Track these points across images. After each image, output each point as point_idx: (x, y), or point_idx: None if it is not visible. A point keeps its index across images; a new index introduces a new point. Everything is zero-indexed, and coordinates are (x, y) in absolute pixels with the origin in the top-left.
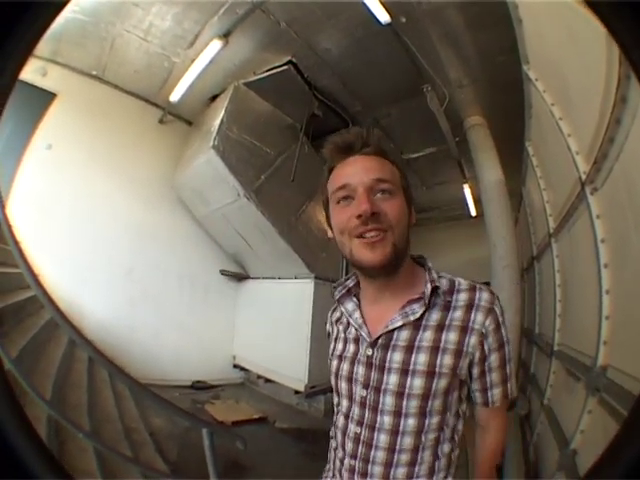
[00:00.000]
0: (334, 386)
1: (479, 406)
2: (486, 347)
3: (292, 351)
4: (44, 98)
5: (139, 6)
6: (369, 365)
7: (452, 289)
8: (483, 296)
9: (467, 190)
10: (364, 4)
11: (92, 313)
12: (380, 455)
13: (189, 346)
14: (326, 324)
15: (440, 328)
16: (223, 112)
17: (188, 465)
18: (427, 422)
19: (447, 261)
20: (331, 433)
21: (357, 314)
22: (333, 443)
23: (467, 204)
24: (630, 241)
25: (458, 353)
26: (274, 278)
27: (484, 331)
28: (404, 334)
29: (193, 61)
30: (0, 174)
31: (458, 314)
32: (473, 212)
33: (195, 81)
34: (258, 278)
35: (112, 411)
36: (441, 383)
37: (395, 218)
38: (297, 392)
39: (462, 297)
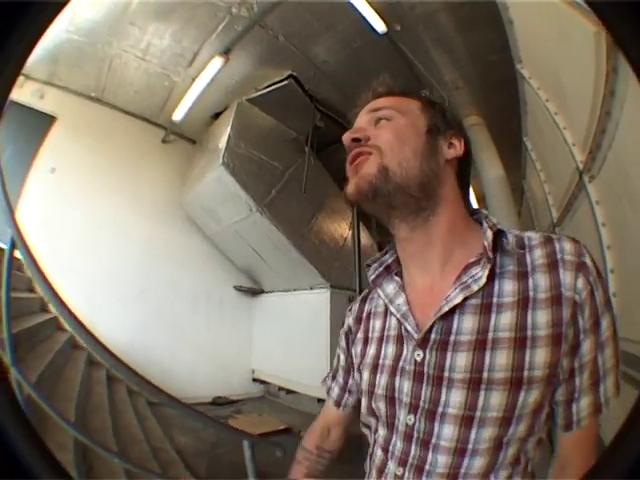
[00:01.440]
0: (365, 408)
1: (559, 429)
2: (581, 325)
3: (312, 360)
4: (43, 121)
5: (135, 25)
6: (419, 376)
7: (522, 246)
8: (565, 247)
9: (470, 188)
10: (361, 15)
11: (106, 336)
12: None
13: (207, 363)
14: (343, 323)
15: (522, 304)
16: (229, 129)
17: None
18: (501, 457)
19: None
20: (365, 466)
21: (401, 299)
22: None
23: (470, 202)
24: (628, 223)
25: (555, 341)
26: (289, 290)
27: (577, 299)
28: (468, 321)
29: (194, 79)
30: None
31: (541, 279)
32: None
33: (197, 99)
34: (273, 291)
35: (137, 432)
36: (532, 396)
37: (384, 139)
38: (320, 400)
39: (538, 254)
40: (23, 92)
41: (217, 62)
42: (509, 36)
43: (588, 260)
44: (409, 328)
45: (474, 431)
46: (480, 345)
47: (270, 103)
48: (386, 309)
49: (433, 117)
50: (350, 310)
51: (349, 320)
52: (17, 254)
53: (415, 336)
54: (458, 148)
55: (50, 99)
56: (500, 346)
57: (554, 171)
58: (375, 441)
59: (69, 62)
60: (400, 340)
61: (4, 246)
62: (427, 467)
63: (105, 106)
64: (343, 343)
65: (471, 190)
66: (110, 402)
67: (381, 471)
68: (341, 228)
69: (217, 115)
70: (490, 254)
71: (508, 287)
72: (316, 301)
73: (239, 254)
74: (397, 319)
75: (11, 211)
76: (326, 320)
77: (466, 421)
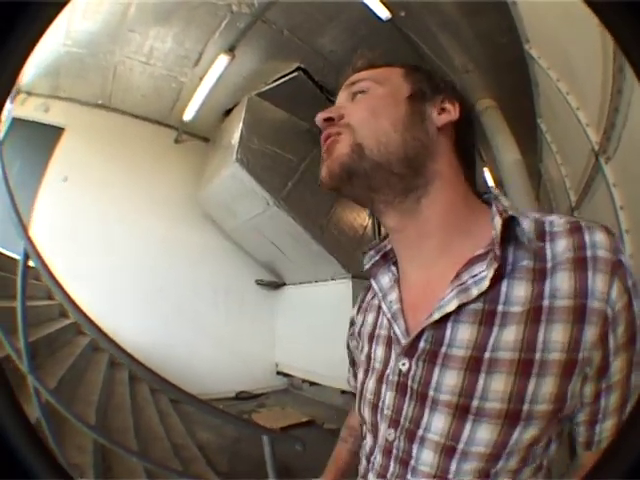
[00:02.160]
0: (357, 408)
1: (578, 446)
2: (612, 345)
3: (335, 352)
4: (51, 133)
5: (136, 32)
6: (402, 389)
7: (542, 234)
8: (598, 239)
9: (487, 173)
10: (363, 3)
11: (127, 336)
12: None
13: (229, 358)
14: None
15: (533, 315)
16: (241, 124)
17: (240, 475)
18: None
19: None
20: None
21: (394, 295)
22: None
23: (488, 187)
24: None
25: (568, 368)
26: (311, 282)
27: (610, 312)
28: (464, 332)
29: (201, 79)
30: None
31: (563, 282)
32: None
33: (206, 98)
34: (294, 284)
35: (158, 430)
36: (529, 432)
37: (356, 115)
38: (344, 392)
39: (562, 246)
40: (26, 108)
41: (223, 60)
42: (514, 17)
43: (626, 259)
44: (397, 332)
45: (455, 463)
46: (474, 364)
47: (280, 96)
48: (380, 303)
49: (418, 82)
50: (358, 300)
51: (354, 310)
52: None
53: (402, 342)
54: (452, 112)
55: (56, 111)
56: (498, 369)
57: (570, 153)
58: (361, 447)
59: (71, 74)
60: (389, 343)
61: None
62: None
63: (113, 112)
64: (347, 335)
65: (489, 176)
66: (132, 401)
67: (363, 477)
68: (360, 217)
69: (228, 112)
70: (498, 249)
71: (519, 291)
72: (338, 291)
73: (258, 248)
74: (387, 319)
75: (22, 222)
76: (348, 310)
77: (447, 451)
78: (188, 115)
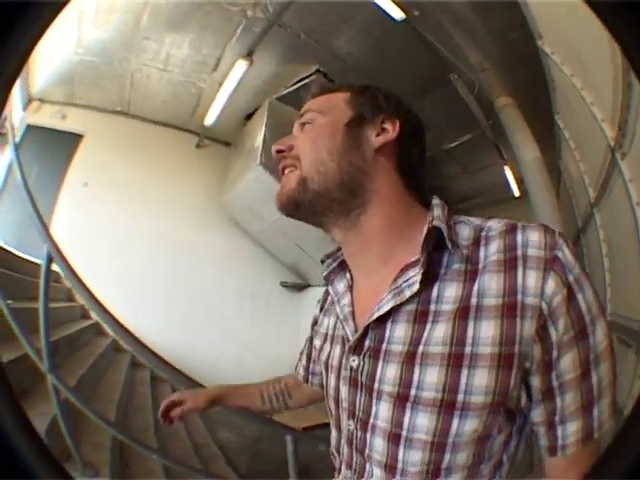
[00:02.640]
0: (327, 404)
1: (543, 451)
2: (554, 339)
3: None
4: (69, 140)
5: (150, 39)
6: (354, 383)
7: (478, 239)
8: (530, 238)
9: (508, 171)
10: (376, 5)
11: (151, 339)
12: None
13: (254, 360)
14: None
15: (461, 312)
16: (264, 128)
17: (260, 475)
18: None
19: None
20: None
21: (346, 299)
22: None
23: (510, 186)
24: None
25: (504, 362)
26: None
27: (545, 306)
28: (400, 330)
29: (220, 84)
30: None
31: (492, 281)
32: (516, 193)
33: (227, 103)
34: (319, 285)
35: (179, 429)
36: (469, 424)
37: (301, 147)
38: None
39: (493, 248)
40: (41, 115)
41: (241, 65)
42: (525, 13)
43: (565, 254)
44: (347, 331)
45: (401, 450)
46: (410, 358)
47: (300, 99)
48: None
49: (360, 105)
50: (318, 300)
51: (316, 310)
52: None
53: (350, 340)
54: (391, 131)
55: (73, 118)
56: (430, 362)
57: (588, 149)
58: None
59: (87, 81)
60: (344, 342)
61: (40, 261)
62: (366, 476)
63: (133, 118)
64: (310, 332)
65: (509, 174)
66: (153, 401)
67: (338, 471)
68: None
69: (249, 116)
70: (422, 255)
71: (450, 292)
72: None
73: (283, 251)
74: (340, 321)
75: (44, 225)
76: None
77: (393, 438)
78: (209, 120)
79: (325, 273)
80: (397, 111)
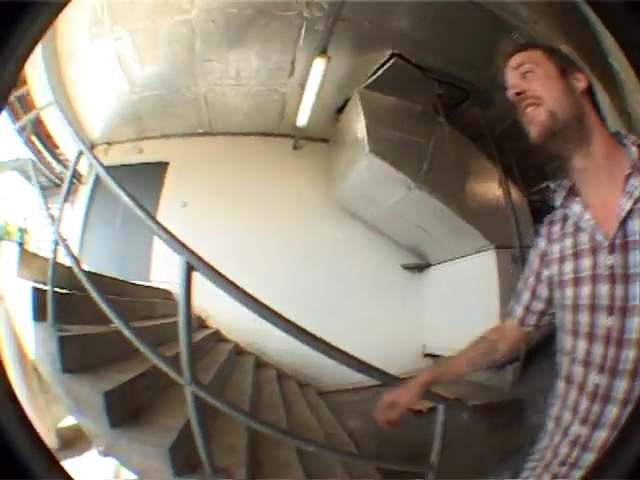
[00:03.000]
0: (566, 325)
1: None
2: None
3: (484, 325)
4: (154, 170)
5: (212, 60)
6: (611, 278)
7: None
8: None
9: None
10: None
11: (276, 335)
12: (611, 412)
13: (378, 344)
14: (534, 246)
15: None
16: (362, 117)
17: (390, 458)
18: None
19: None
20: (550, 408)
21: (588, 214)
22: (554, 411)
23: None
24: None
25: None
26: (456, 258)
27: None
28: (637, 224)
29: (302, 85)
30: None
31: None
32: None
33: (315, 102)
34: (439, 263)
35: (310, 421)
36: None
37: (540, 87)
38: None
39: None
40: (113, 157)
41: (320, 63)
42: None
43: None
44: (599, 238)
45: None
46: None
47: (386, 84)
48: (574, 228)
49: (557, 61)
50: (540, 235)
51: (541, 244)
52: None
53: (605, 244)
54: (583, 80)
55: (151, 149)
56: None
57: None
58: (573, 361)
59: (157, 113)
60: (593, 251)
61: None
62: (618, 367)
63: (218, 136)
64: (535, 265)
65: None
66: (282, 397)
67: (581, 387)
68: (492, 187)
69: (340, 110)
70: (636, 167)
71: None
72: (483, 264)
73: (402, 233)
74: (588, 232)
75: (174, 237)
76: (495, 281)
77: None
78: (301, 121)
79: (561, 200)
80: (575, 65)
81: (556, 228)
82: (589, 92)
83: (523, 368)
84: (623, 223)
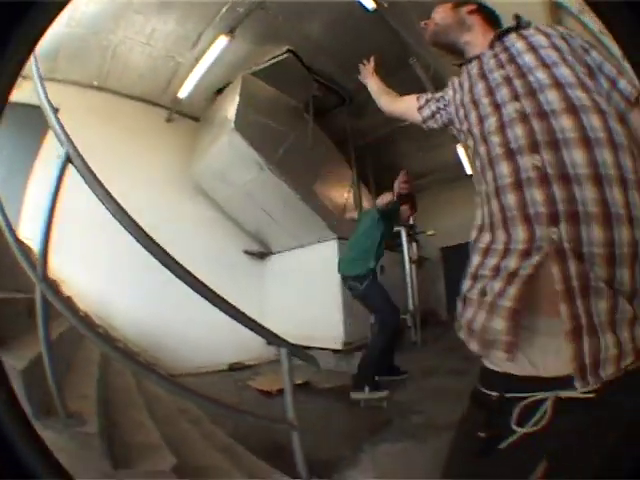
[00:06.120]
0: (473, 133)
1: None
2: None
3: (325, 312)
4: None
5: (141, 13)
6: (507, 80)
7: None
8: None
9: (461, 150)
10: None
11: (121, 308)
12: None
13: (222, 329)
14: (440, 94)
15: None
16: (238, 97)
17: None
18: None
19: (448, 222)
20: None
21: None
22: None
23: (462, 164)
24: None
25: None
26: (297, 247)
27: None
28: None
29: (197, 59)
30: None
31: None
32: (469, 171)
33: (202, 77)
34: (282, 251)
35: (160, 394)
36: None
37: (435, 15)
38: (335, 352)
39: None
40: (23, 92)
41: (223, 41)
42: None
43: None
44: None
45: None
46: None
47: (271, 76)
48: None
49: (455, 2)
50: (448, 85)
51: (448, 90)
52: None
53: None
54: (472, 5)
55: (50, 93)
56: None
57: None
58: (490, 161)
59: (70, 54)
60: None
61: None
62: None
63: (108, 92)
64: (435, 109)
65: (462, 153)
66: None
67: (518, 185)
68: (343, 189)
69: (219, 91)
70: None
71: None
72: (324, 253)
73: (248, 217)
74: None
75: (67, 136)
76: (335, 271)
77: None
78: (183, 93)
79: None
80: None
81: (461, 80)
82: (479, 12)
83: None
84: (499, 39)
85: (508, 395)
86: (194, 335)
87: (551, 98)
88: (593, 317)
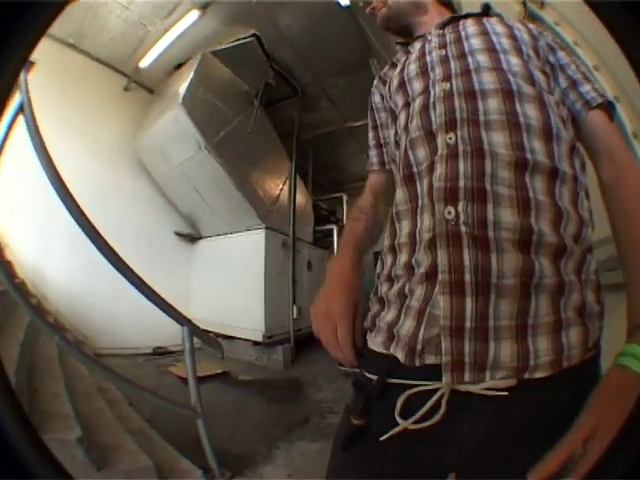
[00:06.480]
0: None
1: (580, 117)
2: None
3: (248, 303)
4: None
5: None
6: (442, 37)
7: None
8: None
9: None
10: None
11: (55, 279)
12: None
13: (147, 311)
14: (371, 98)
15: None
16: (193, 74)
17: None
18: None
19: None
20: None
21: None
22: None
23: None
24: None
25: None
26: (227, 234)
27: None
28: (471, 20)
29: (166, 30)
30: None
31: None
32: None
33: (166, 49)
34: (211, 236)
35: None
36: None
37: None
38: (256, 344)
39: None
40: None
41: (194, 15)
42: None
43: None
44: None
45: (501, 55)
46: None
47: (231, 57)
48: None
49: None
50: (373, 87)
51: (373, 95)
52: None
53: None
54: None
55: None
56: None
57: None
58: (406, 130)
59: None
60: (423, 50)
61: None
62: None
63: (79, 53)
64: (372, 118)
65: None
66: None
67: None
68: (279, 180)
69: (179, 66)
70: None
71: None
72: (252, 242)
73: (183, 197)
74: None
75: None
76: (261, 260)
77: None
78: (145, 62)
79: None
80: None
81: (387, 67)
82: None
83: (295, 352)
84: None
85: (391, 380)
86: (122, 315)
87: (486, 79)
88: (488, 320)
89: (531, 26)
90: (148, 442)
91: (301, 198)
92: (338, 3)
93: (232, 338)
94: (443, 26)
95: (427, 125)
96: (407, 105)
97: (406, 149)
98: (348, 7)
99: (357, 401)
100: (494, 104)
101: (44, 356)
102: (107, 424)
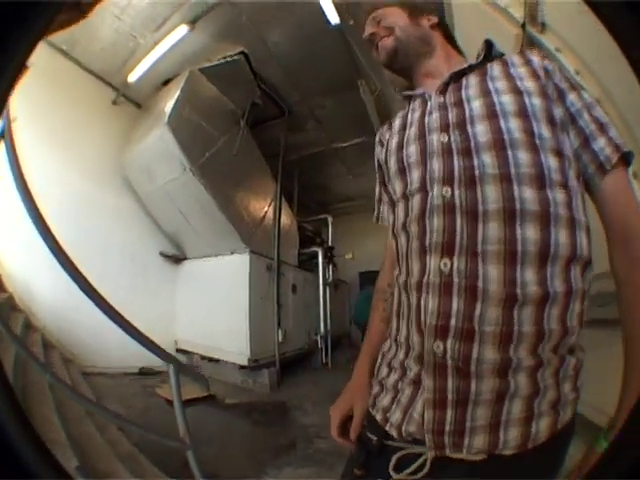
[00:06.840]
0: (393, 176)
1: (593, 180)
2: None
3: (233, 326)
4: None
5: None
6: (443, 109)
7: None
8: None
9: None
10: (319, 5)
11: (42, 294)
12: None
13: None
14: (375, 147)
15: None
16: (179, 92)
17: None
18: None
19: (369, 247)
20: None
21: (421, 90)
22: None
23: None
24: None
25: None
26: (211, 256)
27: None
28: (473, 77)
29: (156, 44)
30: None
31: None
32: None
33: (154, 64)
34: (196, 258)
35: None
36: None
37: (390, 19)
38: (242, 367)
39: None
40: None
41: (183, 30)
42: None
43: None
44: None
45: (502, 120)
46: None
47: (218, 75)
48: (408, 114)
49: (407, 7)
50: (377, 137)
51: (377, 146)
52: None
53: (436, 89)
54: (433, 19)
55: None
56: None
57: None
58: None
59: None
60: (424, 104)
61: None
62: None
63: (71, 61)
64: (378, 175)
65: None
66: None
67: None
68: (264, 202)
69: (167, 82)
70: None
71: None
72: (236, 265)
73: (167, 218)
74: (417, 97)
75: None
76: (245, 284)
77: (491, 112)
78: (133, 77)
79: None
80: (430, 10)
81: (391, 123)
82: (440, 27)
83: (281, 375)
84: (460, 77)
85: (386, 442)
86: (109, 334)
87: (490, 198)
88: (465, 423)
89: (536, 62)
90: (139, 467)
91: (286, 219)
92: (327, 21)
93: (218, 361)
94: (445, 87)
95: (422, 238)
96: (405, 198)
97: (406, 257)
98: (337, 26)
99: (359, 454)
100: (494, 230)
101: (34, 379)
102: (99, 449)
